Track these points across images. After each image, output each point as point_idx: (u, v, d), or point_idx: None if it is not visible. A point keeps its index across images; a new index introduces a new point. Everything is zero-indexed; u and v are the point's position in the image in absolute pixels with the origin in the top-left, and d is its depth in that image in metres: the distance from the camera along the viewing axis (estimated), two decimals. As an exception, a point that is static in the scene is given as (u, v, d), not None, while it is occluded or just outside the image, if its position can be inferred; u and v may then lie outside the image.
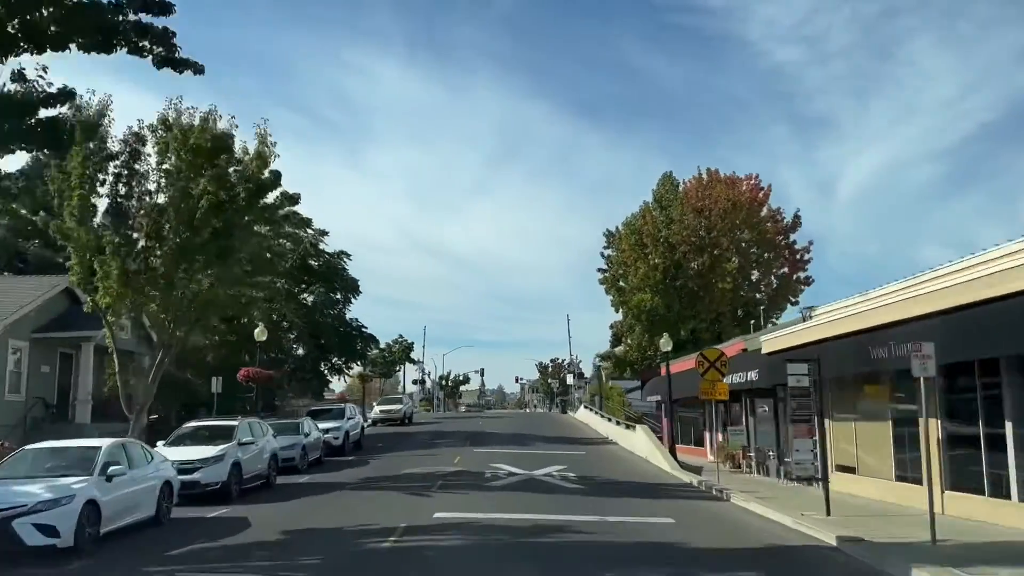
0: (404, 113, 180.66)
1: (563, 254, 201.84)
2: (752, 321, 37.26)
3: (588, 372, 69.06)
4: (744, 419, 24.46)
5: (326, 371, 39.51)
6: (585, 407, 50.94)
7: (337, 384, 52.83)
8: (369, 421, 43.79)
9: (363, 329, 38.73)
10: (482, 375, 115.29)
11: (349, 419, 29.71)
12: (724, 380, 21.11)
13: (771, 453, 21.51)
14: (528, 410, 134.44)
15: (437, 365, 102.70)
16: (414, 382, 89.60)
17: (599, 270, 43.96)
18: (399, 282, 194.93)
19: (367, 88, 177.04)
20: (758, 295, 40.40)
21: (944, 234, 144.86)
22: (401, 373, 69.85)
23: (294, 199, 23.72)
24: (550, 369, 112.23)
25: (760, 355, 21.62)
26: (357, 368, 42.59)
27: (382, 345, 54.76)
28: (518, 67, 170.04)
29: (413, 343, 54.61)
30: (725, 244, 38.40)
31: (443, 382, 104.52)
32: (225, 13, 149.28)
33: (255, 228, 22.80)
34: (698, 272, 38.55)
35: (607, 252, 43.56)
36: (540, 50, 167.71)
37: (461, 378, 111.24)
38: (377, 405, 46.52)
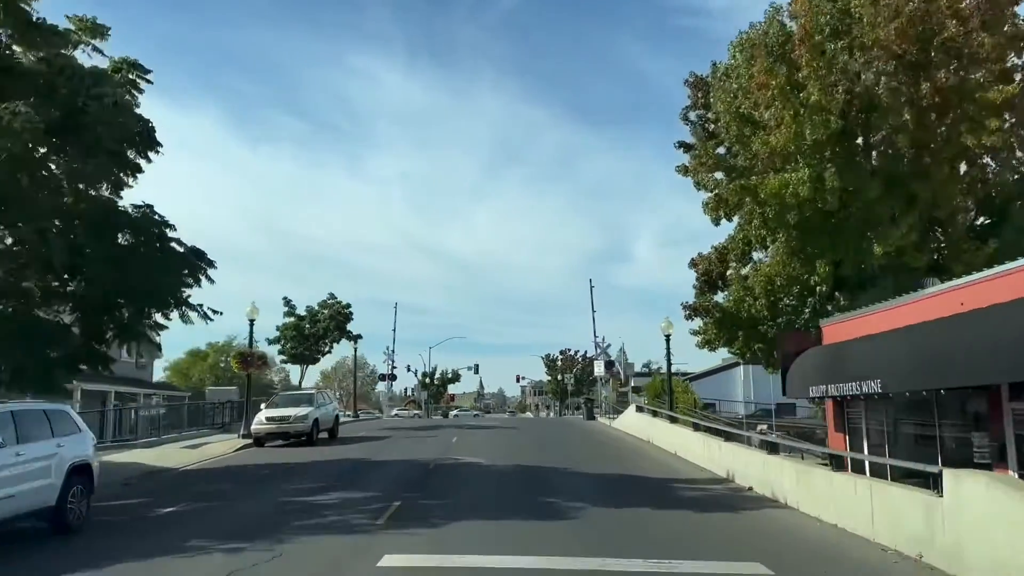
0: (405, 117, 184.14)
1: (564, 258, 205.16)
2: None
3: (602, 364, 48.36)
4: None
5: (111, 335, 17.23)
6: (643, 410, 29.87)
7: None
8: (253, 433, 23.24)
9: (172, 240, 16.00)
10: (476, 371, 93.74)
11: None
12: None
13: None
14: (531, 414, 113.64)
15: (424, 361, 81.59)
16: (382, 377, 68.62)
17: (681, 145, 22.88)
18: (399, 286, 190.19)
19: (368, 92, 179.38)
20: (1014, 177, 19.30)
21: None
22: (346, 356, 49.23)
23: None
24: (559, 363, 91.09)
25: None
26: (170, 321, 18.87)
27: (303, 310, 34.06)
28: (519, 71, 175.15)
29: (351, 309, 34.52)
30: (984, 49, 17.25)
31: (426, 380, 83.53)
32: (226, 16, 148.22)
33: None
34: (917, 122, 17.45)
35: (696, 114, 22.53)
36: (541, 54, 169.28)
37: (449, 375, 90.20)
38: (264, 409, 25.57)
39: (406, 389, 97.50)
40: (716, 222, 21.80)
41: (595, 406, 44.41)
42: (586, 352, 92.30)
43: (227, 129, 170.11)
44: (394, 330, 64.20)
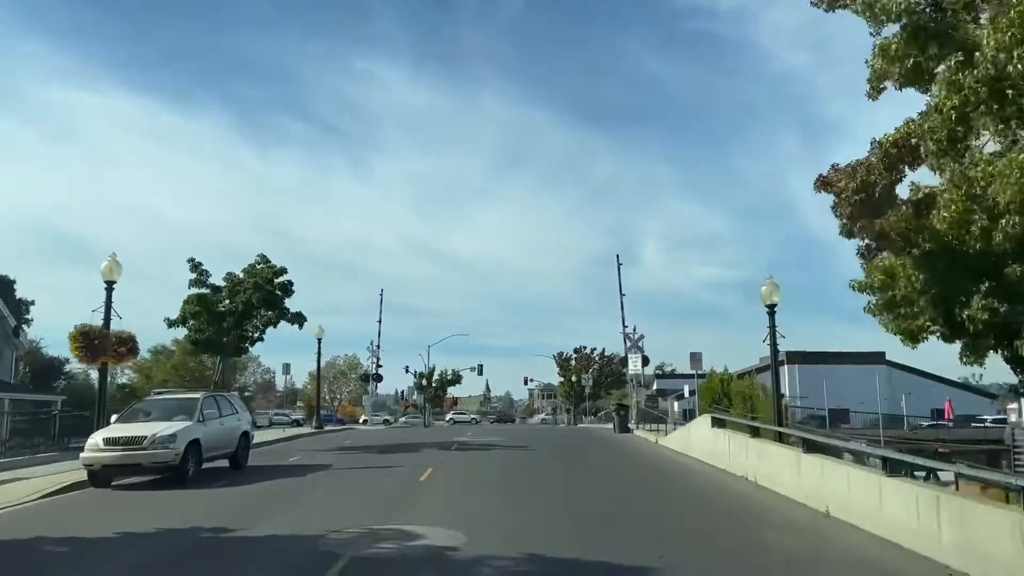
0: (411, 120, 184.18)
1: (570, 260, 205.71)
2: None
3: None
4: None
5: None
6: (722, 425, 19.28)
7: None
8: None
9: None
10: (480, 372, 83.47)
11: None
12: None
13: None
14: (541, 419, 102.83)
15: (424, 362, 71.44)
16: (364, 378, 58.66)
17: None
18: (404, 289, 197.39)
19: (373, 95, 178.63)
20: None
21: None
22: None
23: None
24: (573, 363, 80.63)
25: None
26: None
27: (219, 279, 23.54)
28: (524, 74, 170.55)
29: (289, 277, 23.65)
30: None
31: (422, 382, 73.22)
32: (231, 19, 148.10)
33: None
34: None
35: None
36: (546, 57, 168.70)
37: (449, 376, 79.85)
38: (106, 427, 15.42)
39: (401, 392, 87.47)
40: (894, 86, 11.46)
41: (628, 412, 34.05)
42: (604, 350, 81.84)
43: (234, 133, 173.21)
44: (379, 321, 54.06)
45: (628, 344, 42.36)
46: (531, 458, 20.82)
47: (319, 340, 38.22)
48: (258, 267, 24.61)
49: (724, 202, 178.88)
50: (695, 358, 24.13)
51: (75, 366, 55.72)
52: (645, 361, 41.22)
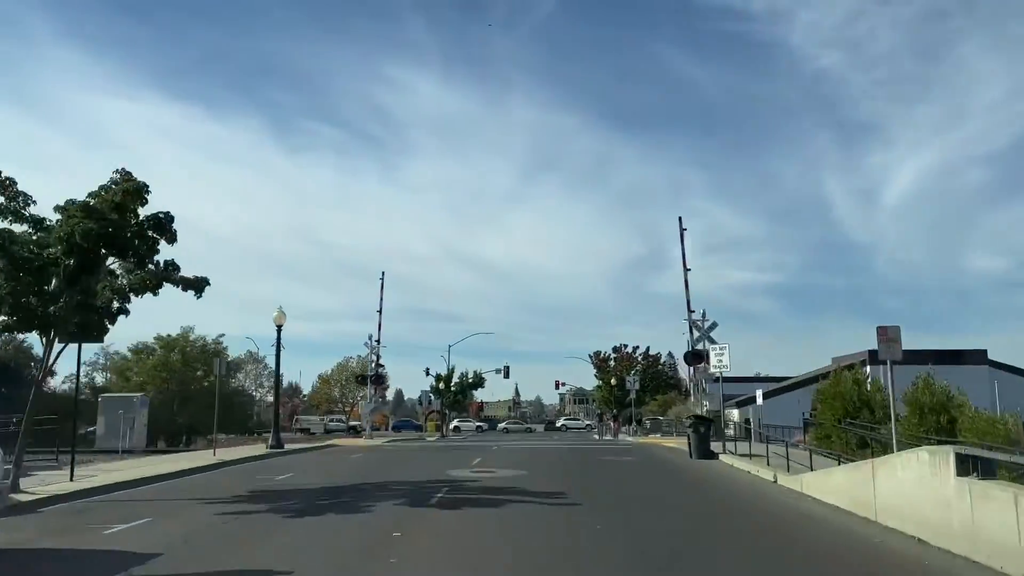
0: (440, 126, 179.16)
1: (600, 264, 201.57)
2: None
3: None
4: None
5: None
6: (969, 466, 8.73)
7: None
8: None
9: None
10: (507, 374, 72.83)
11: None
12: None
13: None
14: (565, 425, 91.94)
15: (447, 364, 61.38)
16: (358, 379, 48.94)
17: None
18: (435, 294, 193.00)
19: (404, 101, 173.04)
20: None
21: (995, 241, 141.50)
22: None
23: None
24: (613, 363, 69.62)
25: None
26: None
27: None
28: (552, 78, 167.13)
29: (167, 209, 14.61)
30: None
31: (439, 385, 62.93)
32: (261, 26, 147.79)
33: None
34: None
35: None
36: (575, 61, 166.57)
37: (471, 379, 69.28)
38: None
39: (421, 397, 77.26)
40: None
41: (711, 431, 23.05)
42: (648, 348, 70.68)
43: (266, 138, 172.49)
44: (379, 311, 43.87)
45: (696, 334, 31.53)
46: (576, 532, 10.23)
47: (279, 328, 28.18)
48: (113, 185, 14.27)
49: (756, 205, 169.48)
50: (888, 336, 13.08)
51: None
52: (701, 358, 30.37)
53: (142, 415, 40.81)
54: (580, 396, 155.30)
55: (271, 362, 77.32)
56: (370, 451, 30.62)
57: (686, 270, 32.35)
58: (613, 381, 63.43)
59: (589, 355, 72.11)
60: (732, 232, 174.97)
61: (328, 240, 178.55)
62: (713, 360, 22.60)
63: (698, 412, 28.68)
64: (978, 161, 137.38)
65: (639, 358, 68.69)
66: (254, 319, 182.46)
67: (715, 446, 23.60)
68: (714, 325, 31.17)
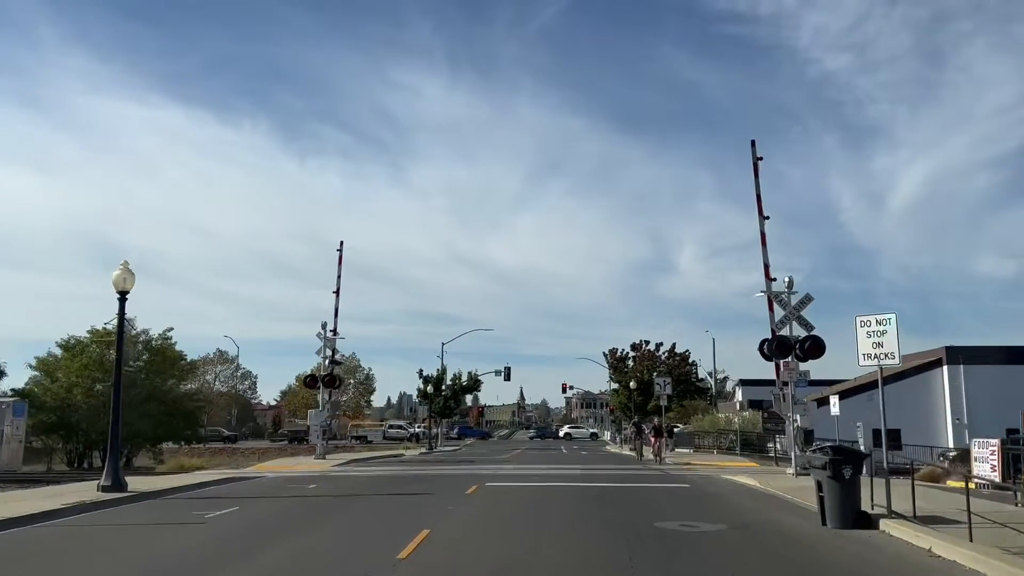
0: (447, 129, 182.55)
1: (607, 268, 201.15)
2: None
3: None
4: None
5: None
6: None
7: None
8: None
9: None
10: (507, 376, 62.69)
11: None
12: None
13: None
14: (566, 435, 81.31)
15: (439, 362, 51.14)
16: (307, 381, 38.32)
17: None
18: (441, 297, 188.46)
19: (410, 105, 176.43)
20: None
21: (1002, 245, 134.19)
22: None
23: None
24: (631, 362, 59.12)
25: None
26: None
27: None
28: (559, 82, 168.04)
29: None
30: None
31: (427, 388, 52.63)
32: (270, 31, 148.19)
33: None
34: None
35: None
36: (581, 65, 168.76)
37: (466, 380, 59.02)
38: None
39: (397, 399, 67.35)
40: None
41: (860, 474, 12.55)
42: (674, 345, 60.13)
43: (275, 142, 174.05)
44: (336, 291, 33.78)
45: (779, 312, 21.26)
46: None
47: (122, 296, 17.98)
48: None
49: (765, 208, 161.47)
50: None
51: None
52: (816, 347, 20.03)
53: (15, 425, 30.97)
54: (587, 400, 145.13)
55: (244, 362, 67.20)
56: (271, 495, 20.14)
57: (763, 217, 21.90)
58: (632, 384, 52.92)
59: (604, 353, 61.90)
60: (740, 235, 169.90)
61: (335, 243, 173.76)
62: (867, 346, 12.01)
63: (799, 425, 18.27)
64: (985, 164, 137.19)
65: (663, 356, 58.22)
66: (260, 323, 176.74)
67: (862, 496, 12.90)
68: (808, 300, 20.84)
